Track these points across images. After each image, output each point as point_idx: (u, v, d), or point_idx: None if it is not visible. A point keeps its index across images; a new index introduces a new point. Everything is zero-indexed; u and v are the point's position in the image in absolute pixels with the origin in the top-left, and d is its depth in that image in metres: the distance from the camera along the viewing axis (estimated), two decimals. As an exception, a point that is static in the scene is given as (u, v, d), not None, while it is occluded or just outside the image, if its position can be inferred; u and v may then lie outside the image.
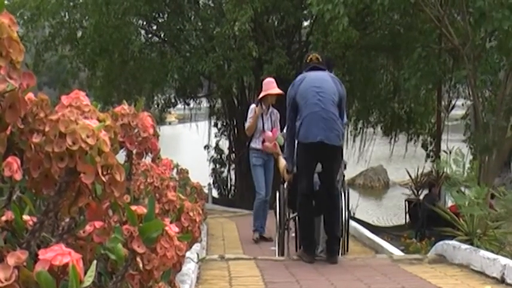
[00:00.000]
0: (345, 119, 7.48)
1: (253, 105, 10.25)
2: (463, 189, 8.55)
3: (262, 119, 10.00)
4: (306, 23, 21.44)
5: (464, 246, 6.71)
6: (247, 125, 10.24)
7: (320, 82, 6.96)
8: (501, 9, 11.21)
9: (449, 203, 13.45)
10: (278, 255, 7.98)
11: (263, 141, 9.72)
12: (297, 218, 7.60)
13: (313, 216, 7.13)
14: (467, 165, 9.06)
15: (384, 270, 6.32)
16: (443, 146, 17.67)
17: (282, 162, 7.83)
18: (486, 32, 12.22)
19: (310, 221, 7.07)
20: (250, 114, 10.13)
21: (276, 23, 21.34)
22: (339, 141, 6.93)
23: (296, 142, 7.11)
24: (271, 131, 9.61)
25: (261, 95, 10.00)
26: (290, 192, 7.64)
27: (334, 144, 6.82)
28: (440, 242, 7.25)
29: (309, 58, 7.34)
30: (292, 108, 7.01)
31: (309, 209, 7.06)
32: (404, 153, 22.87)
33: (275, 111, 10.16)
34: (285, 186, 7.80)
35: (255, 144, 10.10)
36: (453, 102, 19.41)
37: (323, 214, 7.14)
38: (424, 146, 20.80)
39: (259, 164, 10.19)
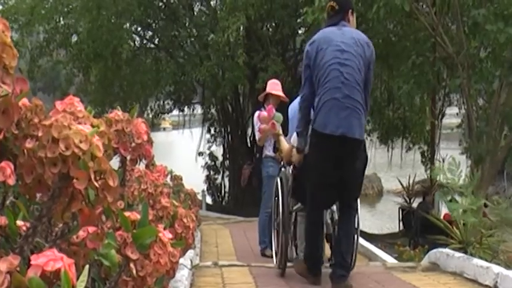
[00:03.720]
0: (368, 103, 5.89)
1: (258, 112, 9.42)
2: (456, 197, 8.55)
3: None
4: (301, 31, 21.46)
5: (457, 254, 6.71)
6: (257, 136, 9.47)
7: (343, 50, 5.54)
8: (495, 22, 11.23)
9: (443, 211, 13.46)
10: (277, 264, 6.75)
11: (274, 148, 9.12)
12: (300, 228, 6.60)
13: (322, 233, 6.00)
14: (463, 173, 9.07)
15: (378, 278, 6.31)
16: (442, 154, 17.68)
17: (285, 143, 6.84)
18: (482, 42, 12.25)
19: (319, 239, 5.92)
20: (257, 123, 9.24)
21: (270, 31, 21.34)
22: (363, 135, 5.77)
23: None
24: (266, 109, 7.94)
25: (262, 94, 9.56)
26: (295, 178, 6.41)
27: (358, 138, 5.57)
28: (434, 250, 7.25)
29: (328, 7, 5.89)
30: (308, 76, 5.68)
31: (320, 226, 5.90)
32: (400, 161, 22.86)
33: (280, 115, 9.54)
34: (290, 170, 6.59)
35: (269, 152, 9.42)
36: (444, 110, 19.42)
37: (338, 232, 5.98)
38: (422, 154, 20.82)
39: (275, 174, 8.91)
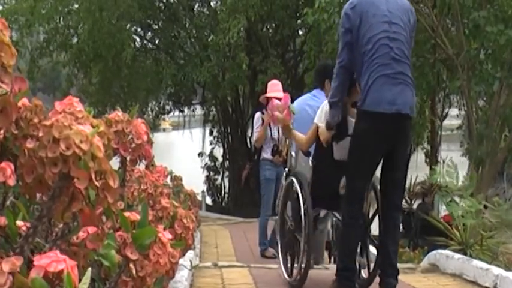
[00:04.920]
0: None
1: (258, 114, 9.42)
2: (456, 198, 8.55)
3: (270, 127, 9.12)
4: (301, 32, 21.48)
5: (457, 255, 6.71)
6: (255, 136, 9.49)
7: (391, 22, 4.98)
8: (496, 24, 11.24)
9: (443, 213, 13.46)
10: (285, 275, 5.92)
11: (273, 151, 9.06)
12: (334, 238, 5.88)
13: (359, 239, 5.32)
14: (462, 175, 9.07)
15: (377, 279, 6.31)
16: (443, 156, 17.67)
17: (298, 133, 5.86)
18: (482, 43, 12.25)
19: (355, 245, 5.26)
20: (256, 123, 9.42)
21: (270, 32, 21.35)
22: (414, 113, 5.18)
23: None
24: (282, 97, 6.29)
25: (263, 96, 9.26)
26: (315, 170, 5.59)
27: (412, 116, 5.07)
28: (433, 252, 7.25)
29: None
30: (348, 42, 5.02)
31: (358, 230, 5.21)
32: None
33: None
34: (310, 161, 5.71)
35: (267, 154, 9.23)
36: (448, 111, 19.41)
37: (381, 234, 5.26)
38: (426, 155, 20.76)
39: (272, 178, 9.23)
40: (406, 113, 4.91)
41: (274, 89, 9.14)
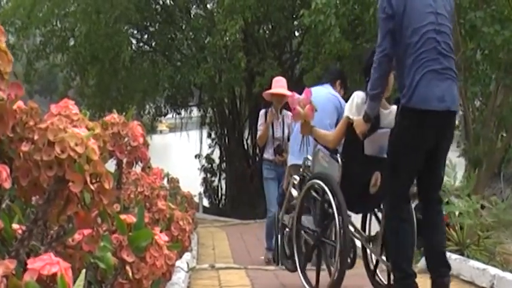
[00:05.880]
0: None
1: (263, 111, 9.18)
2: (453, 199, 8.56)
3: (273, 126, 8.91)
4: (297, 33, 21.48)
5: (454, 256, 6.71)
6: (258, 134, 9.17)
7: (437, 13, 4.70)
8: (492, 25, 11.25)
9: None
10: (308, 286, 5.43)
11: (275, 151, 8.86)
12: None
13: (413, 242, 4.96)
14: (460, 175, 9.07)
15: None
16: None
17: (323, 132, 5.59)
18: (478, 44, 12.26)
19: (412, 250, 4.96)
20: (260, 121, 9.10)
21: (267, 33, 21.34)
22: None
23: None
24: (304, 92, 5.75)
25: (264, 93, 9.11)
26: (345, 168, 5.24)
27: (457, 112, 4.91)
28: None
29: None
30: (391, 30, 4.69)
31: (411, 233, 4.89)
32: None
33: (289, 113, 8.42)
34: (339, 159, 5.28)
35: (268, 154, 9.02)
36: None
37: (427, 232, 4.95)
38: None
39: (271, 177, 9.00)
40: (454, 110, 4.75)
41: (278, 85, 8.94)
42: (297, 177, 5.87)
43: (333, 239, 5.12)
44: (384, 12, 4.72)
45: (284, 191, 8.06)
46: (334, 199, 4.94)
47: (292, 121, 8.31)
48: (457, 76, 4.80)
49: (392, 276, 5.06)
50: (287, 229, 5.99)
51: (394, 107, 5.03)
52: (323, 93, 7.02)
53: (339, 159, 5.23)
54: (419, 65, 4.59)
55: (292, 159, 7.38)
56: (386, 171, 4.89)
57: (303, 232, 5.54)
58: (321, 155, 5.53)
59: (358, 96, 5.15)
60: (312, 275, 5.40)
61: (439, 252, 4.89)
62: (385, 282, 5.40)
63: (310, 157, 5.72)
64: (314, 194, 5.38)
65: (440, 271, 4.82)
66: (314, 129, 5.52)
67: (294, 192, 5.91)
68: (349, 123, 5.11)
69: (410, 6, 4.64)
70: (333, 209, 4.95)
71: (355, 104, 5.14)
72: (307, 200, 5.51)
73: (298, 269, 5.50)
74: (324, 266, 5.36)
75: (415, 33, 4.61)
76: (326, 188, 5.05)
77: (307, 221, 5.56)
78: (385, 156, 4.99)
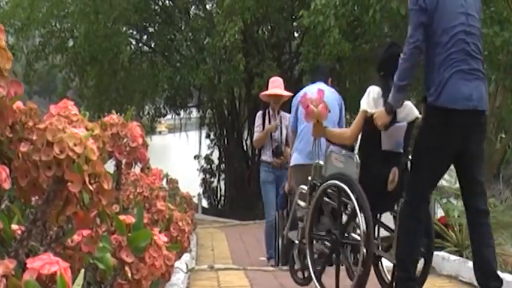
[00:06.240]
0: None
1: (260, 112, 8.93)
2: (452, 200, 8.55)
3: None
4: (297, 34, 21.48)
5: (453, 257, 6.72)
6: (255, 136, 9.01)
7: (468, 14, 4.66)
8: (491, 26, 11.26)
9: (439, 215, 13.46)
10: None
11: (273, 153, 8.62)
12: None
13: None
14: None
15: (373, 280, 6.31)
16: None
17: (337, 131, 5.57)
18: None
19: (419, 253, 4.91)
20: (257, 121, 8.85)
21: (266, 34, 21.34)
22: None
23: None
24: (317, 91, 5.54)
25: (262, 94, 8.97)
26: (363, 165, 5.01)
27: (487, 113, 4.78)
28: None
29: None
30: (423, 23, 4.58)
31: (422, 236, 4.83)
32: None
33: (287, 115, 8.47)
34: (356, 157, 5.04)
35: (266, 156, 8.77)
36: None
37: (475, 245, 4.84)
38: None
39: (269, 180, 8.70)
40: (483, 109, 4.65)
41: (274, 85, 8.81)
42: (305, 187, 5.58)
43: (356, 239, 4.96)
44: (416, 4, 4.62)
45: (285, 193, 8.02)
46: (355, 196, 4.76)
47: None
48: (485, 76, 4.78)
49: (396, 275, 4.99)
50: (296, 242, 5.65)
51: (409, 102, 5.08)
52: (327, 91, 6.87)
53: (356, 157, 5.03)
54: (448, 65, 4.55)
55: (298, 159, 7.05)
56: (408, 170, 4.84)
57: (315, 242, 5.31)
58: (335, 157, 5.30)
59: (373, 90, 5.06)
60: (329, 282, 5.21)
61: (488, 265, 4.72)
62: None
63: (321, 161, 5.46)
64: (327, 199, 5.20)
65: (489, 285, 4.70)
66: (327, 130, 5.37)
67: (302, 203, 5.60)
68: (367, 117, 4.97)
69: (442, 4, 4.60)
70: (354, 208, 4.77)
71: (372, 98, 5.04)
72: (321, 204, 5.26)
73: (314, 280, 5.22)
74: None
75: (445, 33, 4.58)
76: (345, 187, 4.87)
77: (318, 227, 5.36)
78: (401, 151, 5.00)
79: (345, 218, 5.06)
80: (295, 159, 7.15)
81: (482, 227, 4.74)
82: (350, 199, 4.81)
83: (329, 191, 5.14)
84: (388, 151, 4.98)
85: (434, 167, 4.71)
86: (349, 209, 4.96)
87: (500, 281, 4.64)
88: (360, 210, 4.70)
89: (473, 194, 4.76)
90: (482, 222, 4.74)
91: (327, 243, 5.17)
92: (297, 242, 5.70)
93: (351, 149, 5.13)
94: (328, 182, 5.09)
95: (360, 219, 4.72)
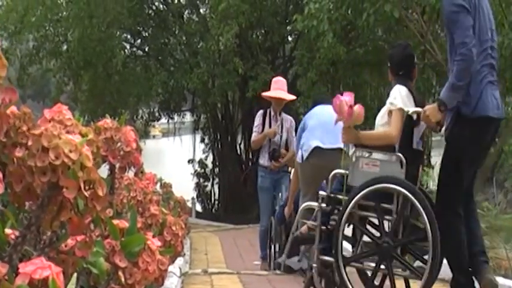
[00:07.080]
0: None
1: (261, 111, 8.63)
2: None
3: (270, 127, 8.41)
4: (290, 38, 21.51)
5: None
6: (253, 136, 8.60)
7: (492, 29, 4.85)
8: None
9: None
10: None
11: (271, 156, 8.35)
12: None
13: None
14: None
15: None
16: (432, 162, 17.68)
17: (372, 132, 5.23)
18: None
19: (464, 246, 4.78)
20: (257, 121, 8.53)
21: (260, 38, 21.34)
22: None
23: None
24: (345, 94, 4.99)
25: (264, 94, 8.71)
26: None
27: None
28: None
29: None
30: (471, 25, 4.62)
31: (462, 228, 4.76)
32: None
33: (289, 118, 8.47)
34: (396, 157, 4.82)
35: (263, 160, 8.45)
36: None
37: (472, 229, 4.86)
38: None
39: (265, 186, 8.45)
40: (502, 118, 4.96)
41: (277, 86, 8.51)
42: (313, 204, 5.08)
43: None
44: (460, 5, 4.64)
45: (286, 202, 7.81)
46: (413, 196, 4.62)
47: (291, 127, 8.29)
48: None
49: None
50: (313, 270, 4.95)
51: None
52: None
53: (397, 156, 4.80)
54: (481, 77, 4.68)
55: (315, 143, 6.55)
56: (442, 173, 4.83)
57: (354, 263, 4.93)
58: (364, 162, 4.89)
59: (402, 89, 5.05)
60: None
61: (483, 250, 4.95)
62: None
63: (342, 171, 4.96)
64: (360, 212, 4.82)
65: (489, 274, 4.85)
66: (362, 133, 5.08)
67: (310, 223, 5.08)
68: (405, 116, 4.92)
69: (478, 17, 4.72)
70: (416, 207, 4.63)
71: (404, 97, 5.02)
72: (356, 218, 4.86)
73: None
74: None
75: (479, 44, 4.67)
76: (402, 190, 4.65)
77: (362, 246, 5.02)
78: (421, 149, 5.15)
79: (388, 223, 4.86)
80: (309, 145, 6.61)
81: (475, 209, 5.01)
82: (407, 201, 4.67)
83: (362, 202, 4.76)
84: (416, 149, 5.01)
85: (470, 173, 4.84)
86: (393, 214, 4.74)
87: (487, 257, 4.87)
88: (424, 212, 4.60)
89: (472, 188, 4.96)
90: (473, 209, 4.95)
91: (373, 256, 4.87)
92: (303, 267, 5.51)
93: (392, 149, 4.89)
94: (375, 186, 4.72)
95: (426, 220, 4.60)
